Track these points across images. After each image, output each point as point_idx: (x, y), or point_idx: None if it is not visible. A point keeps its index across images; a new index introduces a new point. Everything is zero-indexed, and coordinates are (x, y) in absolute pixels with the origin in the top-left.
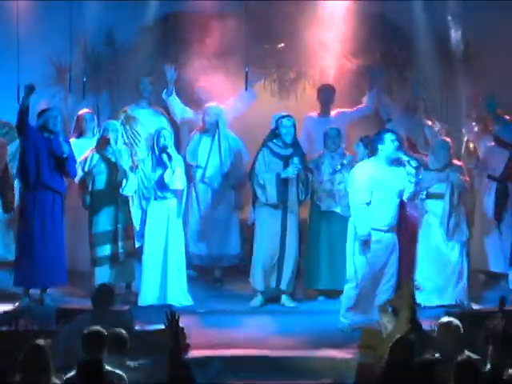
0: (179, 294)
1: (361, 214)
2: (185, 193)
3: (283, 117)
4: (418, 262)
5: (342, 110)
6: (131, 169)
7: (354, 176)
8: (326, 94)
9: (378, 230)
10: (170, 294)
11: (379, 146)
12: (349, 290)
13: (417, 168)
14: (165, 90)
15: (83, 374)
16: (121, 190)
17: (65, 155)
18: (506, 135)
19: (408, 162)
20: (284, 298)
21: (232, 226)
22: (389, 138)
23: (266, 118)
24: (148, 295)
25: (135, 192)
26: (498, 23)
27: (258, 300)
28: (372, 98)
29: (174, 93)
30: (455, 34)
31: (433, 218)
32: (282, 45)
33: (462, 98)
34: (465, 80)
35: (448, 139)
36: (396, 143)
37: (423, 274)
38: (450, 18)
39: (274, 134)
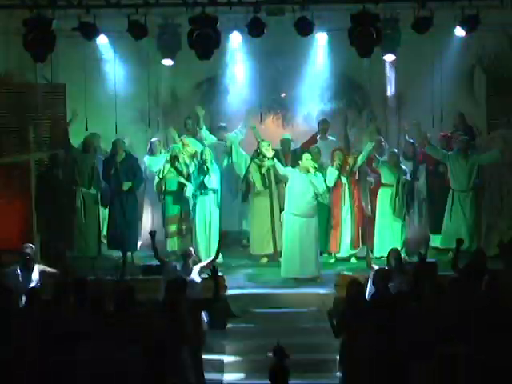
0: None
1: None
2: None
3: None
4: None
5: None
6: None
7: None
8: (324, 125)
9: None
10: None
11: (299, 162)
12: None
13: (323, 174)
14: (198, 125)
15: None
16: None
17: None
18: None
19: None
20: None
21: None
22: (305, 156)
23: (273, 141)
24: (200, 255)
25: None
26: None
27: (264, 259)
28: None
29: (203, 126)
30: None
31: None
32: (284, 94)
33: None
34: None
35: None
36: (310, 160)
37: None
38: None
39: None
